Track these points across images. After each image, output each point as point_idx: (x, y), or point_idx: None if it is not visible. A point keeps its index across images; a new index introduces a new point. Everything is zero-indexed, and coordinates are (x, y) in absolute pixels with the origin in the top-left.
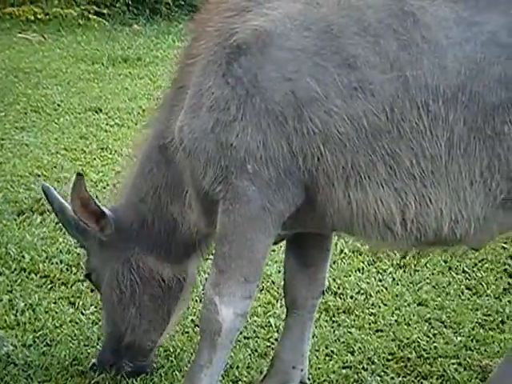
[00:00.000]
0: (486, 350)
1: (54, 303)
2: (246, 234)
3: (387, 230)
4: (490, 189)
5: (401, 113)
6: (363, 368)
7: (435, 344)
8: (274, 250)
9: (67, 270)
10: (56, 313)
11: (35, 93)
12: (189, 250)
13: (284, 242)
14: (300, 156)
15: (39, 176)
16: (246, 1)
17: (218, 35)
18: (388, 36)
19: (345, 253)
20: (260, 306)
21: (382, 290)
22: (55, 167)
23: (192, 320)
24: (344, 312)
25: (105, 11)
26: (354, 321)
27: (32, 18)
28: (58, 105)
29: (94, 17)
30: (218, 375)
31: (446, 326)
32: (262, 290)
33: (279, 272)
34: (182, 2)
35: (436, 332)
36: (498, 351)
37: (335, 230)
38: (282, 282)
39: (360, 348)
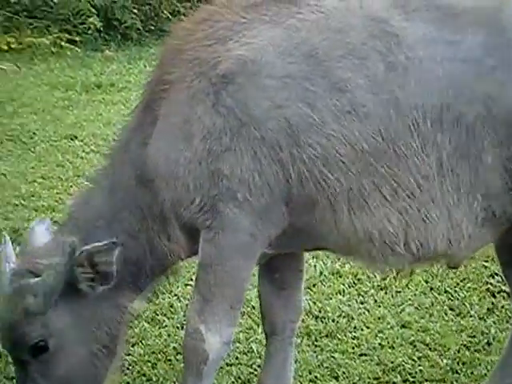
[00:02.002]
0: (472, 373)
1: None
2: (233, 262)
3: (390, 251)
4: (473, 206)
5: (395, 133)
6: None
7: (421, 367)
8: (254, 275)
9: None
10: None
11: (11, 122)
12: (148, 279)
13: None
14: (297, 181)
15: (17, 205)
16: (224, 29)
17: (197, 63)
18: (374, 58)
19: (325, 275)
20: (242, 331)
21: (364, 313)
22: (33, 196)
23: (174, 347)
24: (326, 336)
25: (77, 38)
26: (337, 345)
27: (5, 47)
28: (34, 133)
29: (67, 44)
30: None
31: (430, 349)
32: (243, 316)
33: (258, 297)
34: (152, 28)
35: (421, 355)
36: (485, 374)
37: (331, 251)
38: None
39: (344, 373)
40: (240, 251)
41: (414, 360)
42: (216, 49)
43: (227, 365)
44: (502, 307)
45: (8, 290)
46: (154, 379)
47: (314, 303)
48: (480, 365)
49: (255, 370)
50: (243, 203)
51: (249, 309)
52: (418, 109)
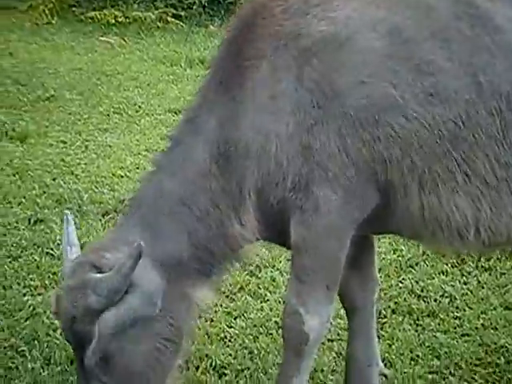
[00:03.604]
0: None
1: None
2: (327, 244)
3: (458, 236)
4: None
5: (476, 119)
6: (450, 373)
7: None
8: None
9: None
10: None
11: (117, 95)
12: (217, 266)
13: None
14: (378, 161)
15: (122, 177)
16: (303, 3)
17: (277, 38)
18: (458, 40)
19: (427, 254)
20: (343, 308)
21: (466, 293)
22: (137, 168)
23: (275, 322)
24: (428, 315)
25: (182, 13)
26: (439, 324)
27: (113, 21)
28: (139, 106)
29: (172, 19)
30: (307, 380)
31: None
32: None
33: None
34: None
35: None
36: None
37: (399, 234)
38: None
39: (446, 353)
40: (333, 233)
41: None
42: (295, 22)
43: (328, 340)
44: None
45: (70, 281)
46: (256, 352)
47: (417, 282)
48: None
49: None
50: (334, 183)
51: None
52: (502, 94)
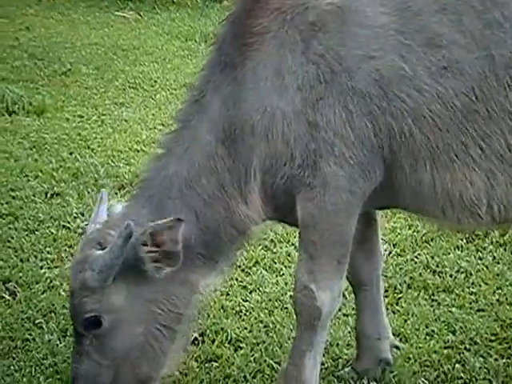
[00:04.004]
0: None
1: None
2: (336, 220)
3: (469, 212)
4: None
5: (489, 92)
6: (465, 348)
7: None
8: None
9: None
10: None
11: (133, 69)
12: (223, 250)
13: None
14: (386, 135)
15: (138, 151)
16: None
17: (283, 12)
18: (469, 14)
19: (443, 230)
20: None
21: (482, 269)
22: (153, 142)
23: (290, 296)
24: (444, 290)
25: None
26: (455, 300)
27: None
28: (155, 81)
29: None
30: (321, 354)
31: None
32: None
33: None
34: None
35: None
36: None
37: (405, 209)
38: None
39: (461, 328)
40: (342, 209)
41: None
42: None
43: (344, 315)
44: None
45: (77, 255)
46: (271, 326)
47: (432, 257)
48: None
49: None
50: (341, 159)
51: None
52: None
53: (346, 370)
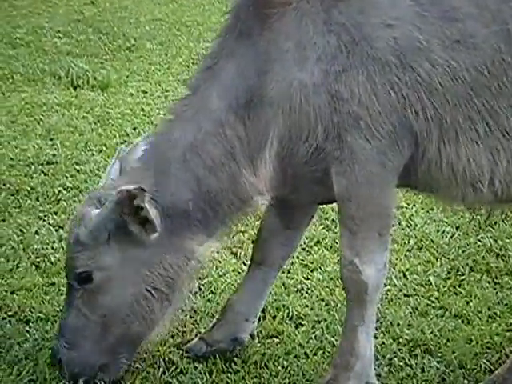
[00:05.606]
0: None
1: (217, 253)
2: (371, 193)
3: (472, 189)
4: None
5: (502, 68)
6: None
7: None
8: (432, 209)
9: None
10: (220, 262)
11: (197, 46)
12: (223, 219)
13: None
14: (408, 107)
15: None
16: None
17: None
18: None
19: (506, 214)
20: (420, 264)
21: None
22: None
23: None
24: (507, 274)
25: None
26: None
27: None
28: None
29: None
30: (373, 328)
31: None
32: (421, 249)
33: (437, 231)
34: None
35: None
36: None
37: (414, 187)
38: (441, 241)
39: None
40: (374, 181)
41: None
42: None
43: (405, 295)
44: None
45: (78, 211)
46: (333, 304)
47: (495, 241)
48: None
49: (432, 302)
50: (366, 131)
51: (427, 242)
52: None
53: (193, 342)
